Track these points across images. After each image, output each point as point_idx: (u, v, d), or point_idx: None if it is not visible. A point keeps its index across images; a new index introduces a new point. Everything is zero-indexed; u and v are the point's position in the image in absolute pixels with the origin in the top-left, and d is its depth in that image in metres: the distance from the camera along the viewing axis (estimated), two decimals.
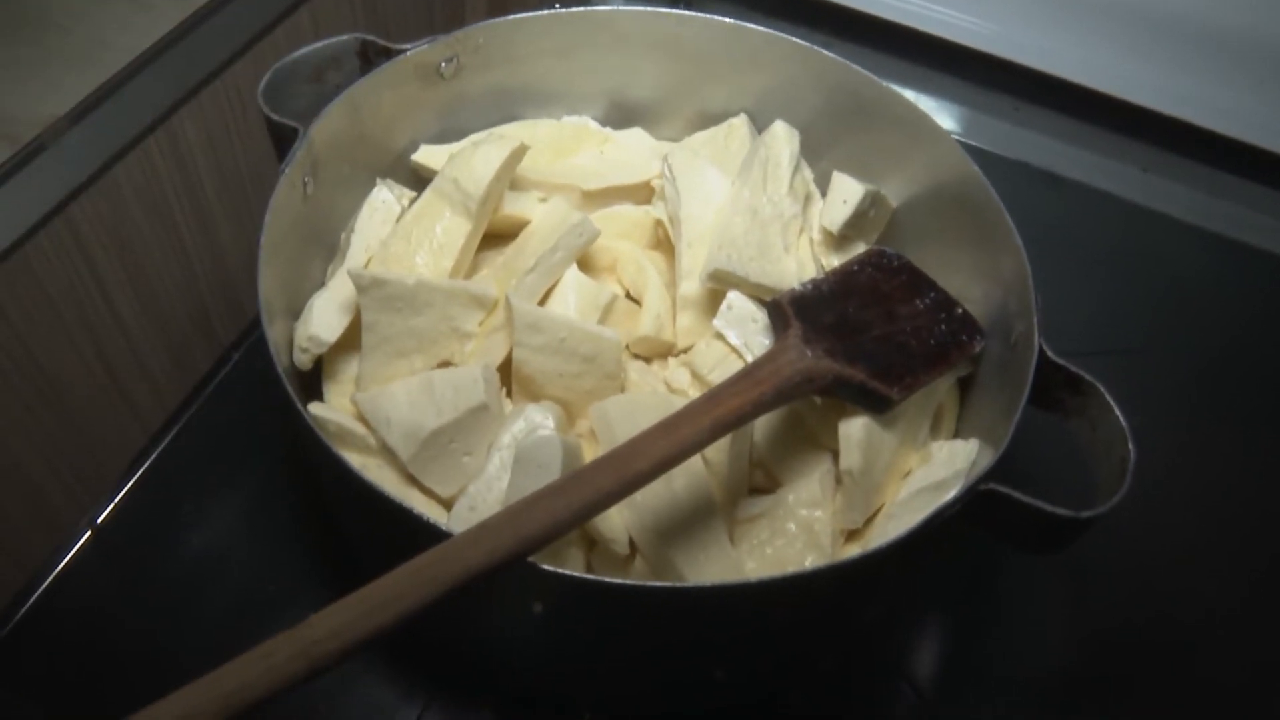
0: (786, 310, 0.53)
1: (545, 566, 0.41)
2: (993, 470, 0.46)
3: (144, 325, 0.80)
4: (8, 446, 0.72)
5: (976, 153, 0.59)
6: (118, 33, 0.75)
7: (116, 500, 0.66)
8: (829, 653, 0.59)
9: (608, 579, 0.42)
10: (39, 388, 0.73)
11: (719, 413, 0.46)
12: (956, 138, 0.60)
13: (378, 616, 0.37)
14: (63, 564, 0.63)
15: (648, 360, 0.60)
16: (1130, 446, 0.47)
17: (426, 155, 0.64)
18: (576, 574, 0.42)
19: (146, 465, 0.68)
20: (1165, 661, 0.63)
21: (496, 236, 0.62)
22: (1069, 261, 0.77)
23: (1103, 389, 0.49)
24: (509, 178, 0.60)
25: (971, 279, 0.58)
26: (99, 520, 0.65)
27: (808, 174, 0.64)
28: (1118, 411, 0.48)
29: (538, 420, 0.51)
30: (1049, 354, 0.50)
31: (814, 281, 0.56)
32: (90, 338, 0.76)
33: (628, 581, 0.43)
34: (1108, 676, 0.62)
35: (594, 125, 0.70)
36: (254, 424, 0.68)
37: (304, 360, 0.55)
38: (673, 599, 0.43)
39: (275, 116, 0.56)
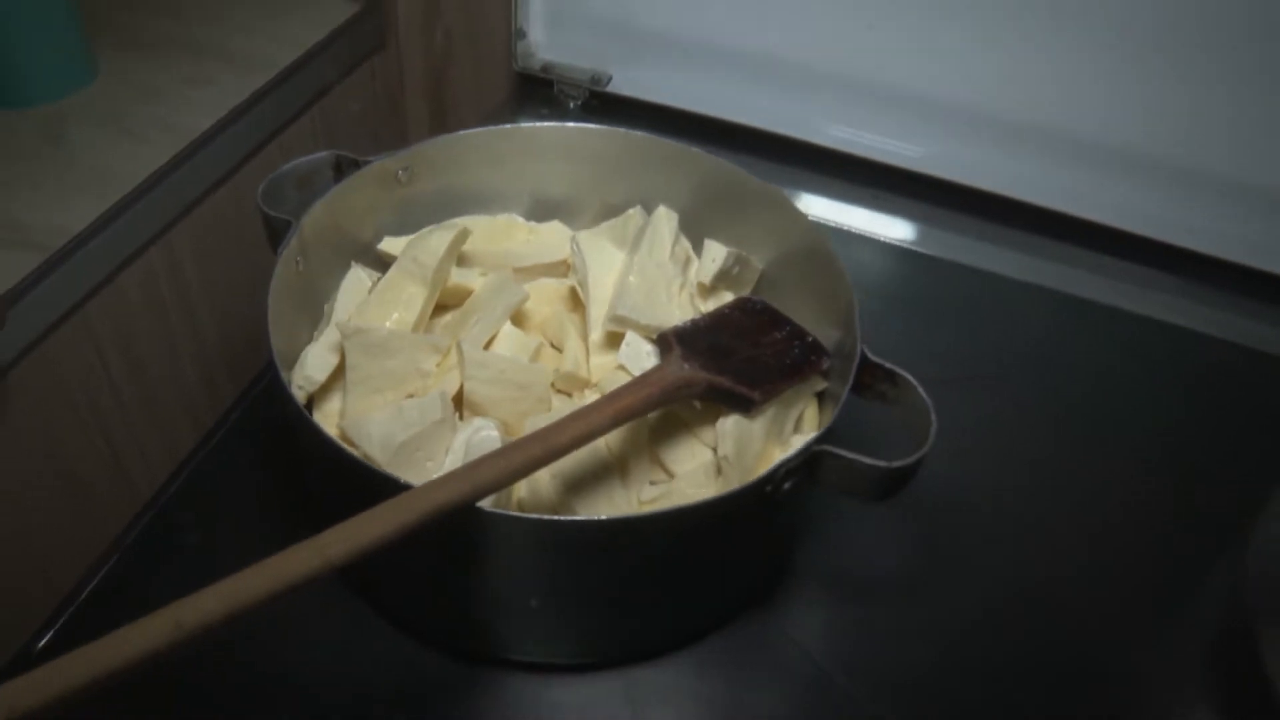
0: (670, 339, 0.69)
1: (487, 508, 0.56)
2: (824, 436, 0.62)
3: (140, 408, 0.93)
4: (26, 523, 0.84)
5: (835, 231, 0.75)
6: (122, 162, 0.88)
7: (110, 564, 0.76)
8: (719, 585, 0.71)
9: (530, 515, 0.58)
10: (55, 467, 0.85)
11: (618, 405, 0.62)
12: (814, 218, 0.77)
13: (377, 528, 0.51)
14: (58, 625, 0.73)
15: (569, 394, 0.75)
16: (932, 415, 0.62)
17: (389, 244, 0.79)
18: (509, 512, 0.57)
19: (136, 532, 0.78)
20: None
21: (446, 307, 0.78)
22: (917, 316, 0.95)
23: (911, 378, 0.65)
24: (456, 254, 0.76)
25: (821, 320, 0.74)
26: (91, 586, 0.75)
27: (685, 244, 0.81)
28: (922, 392, 0.63)
29: (482, 426, 0.66)
30: (869, 355, 0.66)
31: (692, 320, 0.73)
32: (98, 420, 0.88)
33: (540, 516, 0.58)
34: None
35: (521, 220, 0.86)
36: (240, 486, 0.81)
37: (299, 397, 0.70)
38: (571, 529, 0.58)
39: (271, 212, 0.71)
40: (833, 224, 1.03)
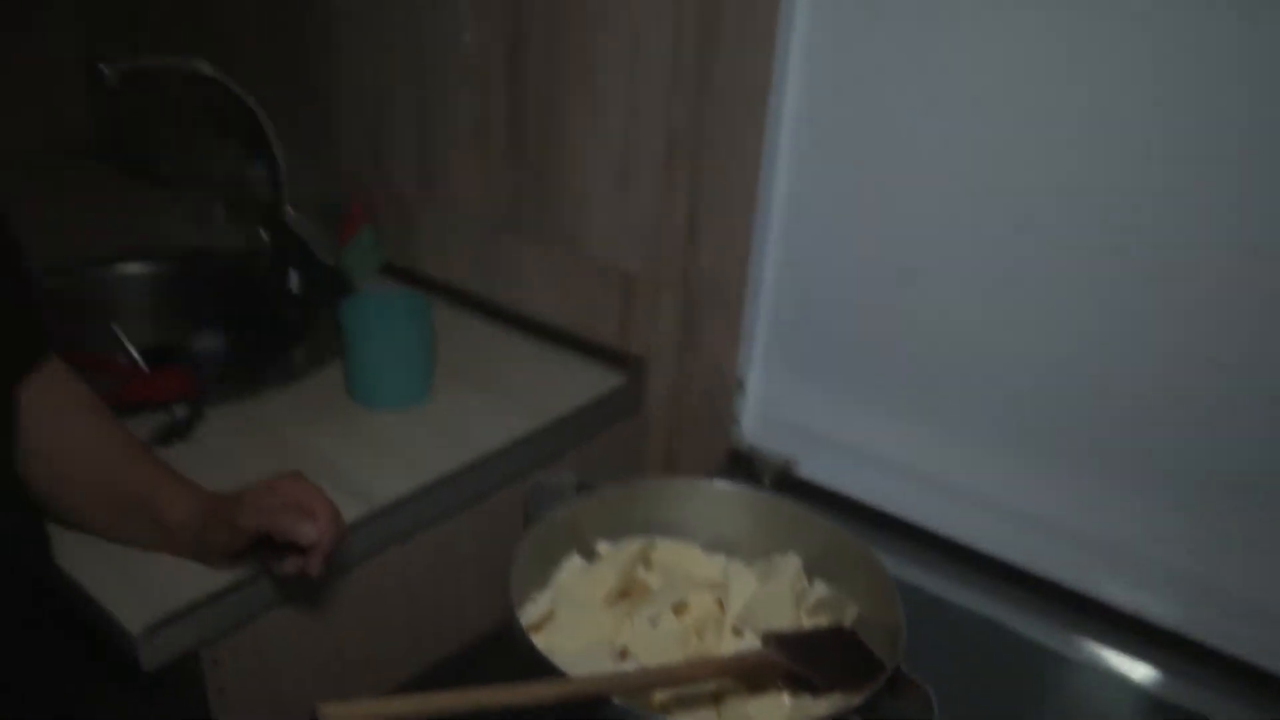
0: (771, 636, 1.00)
1: (617, 701, 0.87)
2: (851, 709, 0.90)
3: (405, 626, 1.28)
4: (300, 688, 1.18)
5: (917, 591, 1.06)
6: (434, 459, 1.28)
7: None
8: None
9: (635, 709, 0.89)
10: (338, 651, 1.21)
11: (717, 663, 0.94)
12: (894, 578, 1.08)
13: (545, 690, 0.83)
14: None
15: None
16: (935, 709, 0.91)
17: (601, 545, 1.14)
18: (620, 702, 0.88)
19: None
20: None
21: (629, 594, 1.12)
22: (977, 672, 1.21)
23: (929, 689, 0.93)
24: (640, 560, 1.11)
25: (885, 645, 1.03)
26: None
27: (804, 581, 1.12)
28: (931, 695, 0.91)
29: (633, 664, 0.99)
30: (903, 669, 0.95)
31: (792, 630, 1.04)
32: (375, 624, 1.23)
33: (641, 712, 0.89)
34: None
35: (697, 548, 1.18)
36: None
37: (522, 626, 1.03)
38: None
39: (530, 509, 1.09)
40: (912, 583, 1.28)
